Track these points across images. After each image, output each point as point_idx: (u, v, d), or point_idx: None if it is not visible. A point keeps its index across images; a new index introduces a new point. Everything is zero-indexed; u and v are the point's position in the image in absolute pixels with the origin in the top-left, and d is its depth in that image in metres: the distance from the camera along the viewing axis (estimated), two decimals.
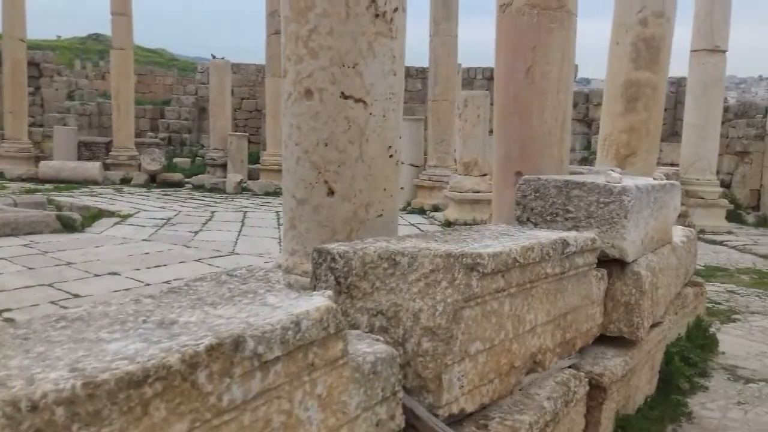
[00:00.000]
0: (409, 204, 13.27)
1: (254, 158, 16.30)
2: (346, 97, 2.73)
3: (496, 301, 2.23)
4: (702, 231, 10.72)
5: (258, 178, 15.45)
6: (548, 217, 3.17)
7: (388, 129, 2.85)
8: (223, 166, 15.93)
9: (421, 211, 12.69)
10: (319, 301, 1.48)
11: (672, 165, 13.66)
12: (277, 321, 1.30)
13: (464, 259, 2.09)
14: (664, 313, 3.73)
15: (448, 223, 11.01)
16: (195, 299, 1.43)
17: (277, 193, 14.33)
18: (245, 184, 14.42)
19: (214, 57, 17.15)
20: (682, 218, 10.71)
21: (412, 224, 11.26)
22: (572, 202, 3.12)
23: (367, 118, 2.76)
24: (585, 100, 18.29)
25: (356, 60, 2.71)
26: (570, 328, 2.77)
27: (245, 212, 11.28)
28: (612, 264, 3.13)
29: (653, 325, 3.49)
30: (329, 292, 1.59)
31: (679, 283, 4.23)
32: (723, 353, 4.74)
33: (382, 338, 1.90)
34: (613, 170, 3.16)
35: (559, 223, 3.14)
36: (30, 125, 16.69)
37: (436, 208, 12.46)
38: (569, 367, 2.80)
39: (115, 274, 6.32)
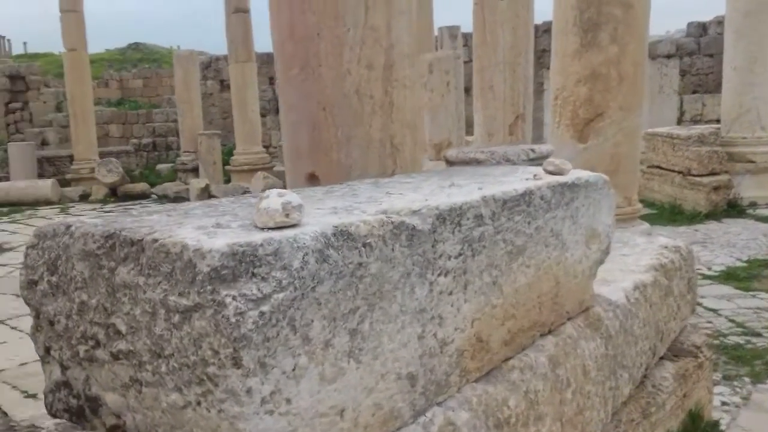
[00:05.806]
0: None
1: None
2: None
3: None
4: (753, 204, 8.14)
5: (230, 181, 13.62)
6: (83, 352, 1.04)
7: None
8: (195, 170, 14.12)
9: None
10: None
11: (718, 122, 10.97)
12: None
13: None
14: None
15: None
16: None
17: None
18: (211, 190, 12.55)
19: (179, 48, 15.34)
20: (725, 190, 8.17)
21: None
22: (121, 307, 0.97)
23: None
24: None
25: None
26: None
27: None
28: None
29: None
30: None
31: (629, 376, 2.00)
32: None
33: None
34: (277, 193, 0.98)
35: (98, 368, 1.01)
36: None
37: None
38: None
39: None
